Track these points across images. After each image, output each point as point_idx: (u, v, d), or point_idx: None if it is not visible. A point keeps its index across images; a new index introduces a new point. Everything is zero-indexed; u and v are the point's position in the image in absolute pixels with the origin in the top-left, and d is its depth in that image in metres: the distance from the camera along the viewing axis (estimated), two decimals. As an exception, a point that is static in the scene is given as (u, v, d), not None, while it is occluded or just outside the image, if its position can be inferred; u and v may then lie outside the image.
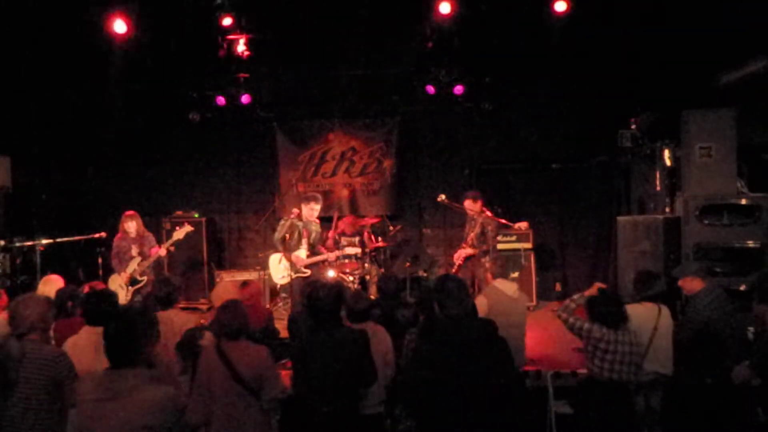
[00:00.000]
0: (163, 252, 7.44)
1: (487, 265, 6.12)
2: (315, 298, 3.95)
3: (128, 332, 2.95)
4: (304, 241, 7.44)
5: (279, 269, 7.91)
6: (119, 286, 7.16)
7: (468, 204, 7.61)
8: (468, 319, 3.59)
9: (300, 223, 7.46)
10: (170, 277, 5.27)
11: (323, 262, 7.52)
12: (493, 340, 3.53)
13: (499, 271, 5.58)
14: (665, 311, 4.89)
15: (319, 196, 7.72)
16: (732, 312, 5.12)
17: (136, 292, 7.19)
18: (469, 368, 3.35)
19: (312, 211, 7.43)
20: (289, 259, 7.37)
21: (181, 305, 5.58)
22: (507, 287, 5.44)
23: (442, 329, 3.50)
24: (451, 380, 3.34)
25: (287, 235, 7.36)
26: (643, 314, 4.79)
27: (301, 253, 7.41)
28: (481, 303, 5.15)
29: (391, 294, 5.42)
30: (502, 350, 3.52)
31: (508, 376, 3.61)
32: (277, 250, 7.74)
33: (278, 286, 8.43)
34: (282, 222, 7.53)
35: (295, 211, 8.47)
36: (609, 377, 4.36)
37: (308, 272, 7.35)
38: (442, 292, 3.53)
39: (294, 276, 7.30)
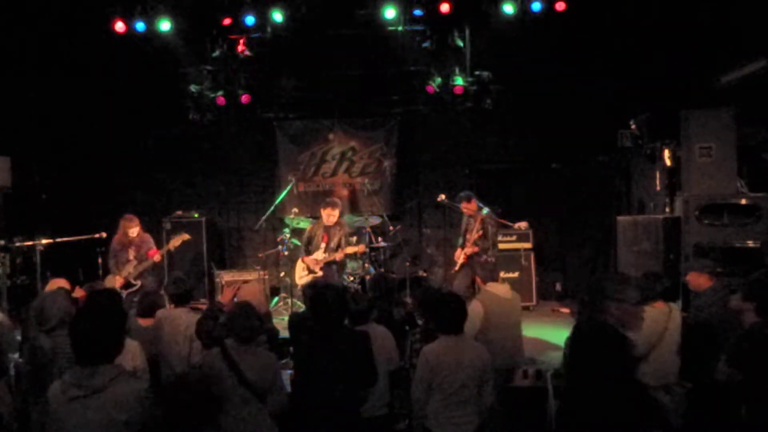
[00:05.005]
0: (158, 258, 7.51)
1: (478, 270, 6.10)
2: (318, 299, 3.95)
3: (102, 329, 2.90)
4: (323, 245, 7.93)
5: (299, 271, 8.22)
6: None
7: (464, 206, 7.69)
8: (612, 329, 3.33)
9: (320, 229, 8.01)
10: (185, 277, 5.30)
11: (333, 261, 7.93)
12: (627, 357, 3.40)
13: (489, 275, 5.59)
14: (676, 312, 4.78)
15: (337, 201, 8.21)
16: (735, 313, 5.10)
17: (129, 295, 7.17)
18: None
19: (329, 216, 7.93)
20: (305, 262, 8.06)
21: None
22: (499, 289, 5.43)
23: (596, 338, 3.28)
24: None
25: (307, 242, 8.09)
26: (653, 316, 4.59)
27: (318, 255, 7.94)
28: (477, 308, 5.12)
29: (384, 293, 5.41)
30: (631, 368, 3.42)
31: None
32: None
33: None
34: (307, 229, 8.20)
35: (295, 211, 8.65)
36: None
37: (320, 273, 7.79)
38: (597, 293, 3.36)
39: (310, 276, 7.83)
